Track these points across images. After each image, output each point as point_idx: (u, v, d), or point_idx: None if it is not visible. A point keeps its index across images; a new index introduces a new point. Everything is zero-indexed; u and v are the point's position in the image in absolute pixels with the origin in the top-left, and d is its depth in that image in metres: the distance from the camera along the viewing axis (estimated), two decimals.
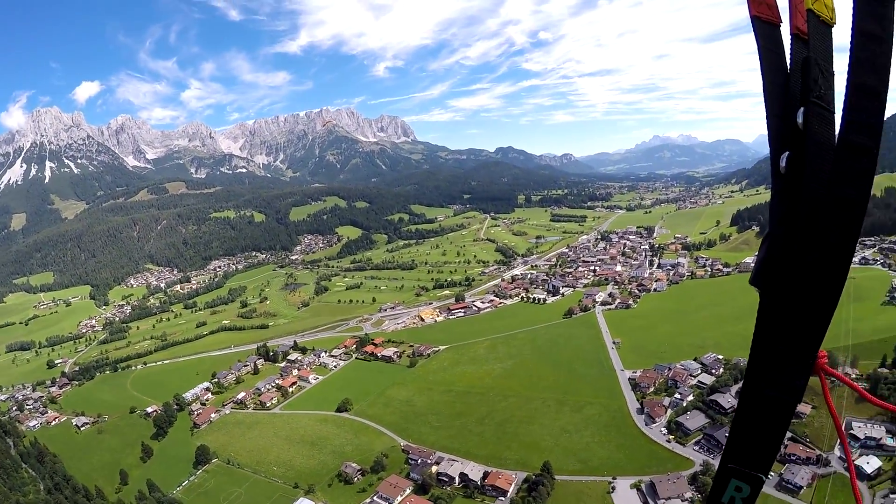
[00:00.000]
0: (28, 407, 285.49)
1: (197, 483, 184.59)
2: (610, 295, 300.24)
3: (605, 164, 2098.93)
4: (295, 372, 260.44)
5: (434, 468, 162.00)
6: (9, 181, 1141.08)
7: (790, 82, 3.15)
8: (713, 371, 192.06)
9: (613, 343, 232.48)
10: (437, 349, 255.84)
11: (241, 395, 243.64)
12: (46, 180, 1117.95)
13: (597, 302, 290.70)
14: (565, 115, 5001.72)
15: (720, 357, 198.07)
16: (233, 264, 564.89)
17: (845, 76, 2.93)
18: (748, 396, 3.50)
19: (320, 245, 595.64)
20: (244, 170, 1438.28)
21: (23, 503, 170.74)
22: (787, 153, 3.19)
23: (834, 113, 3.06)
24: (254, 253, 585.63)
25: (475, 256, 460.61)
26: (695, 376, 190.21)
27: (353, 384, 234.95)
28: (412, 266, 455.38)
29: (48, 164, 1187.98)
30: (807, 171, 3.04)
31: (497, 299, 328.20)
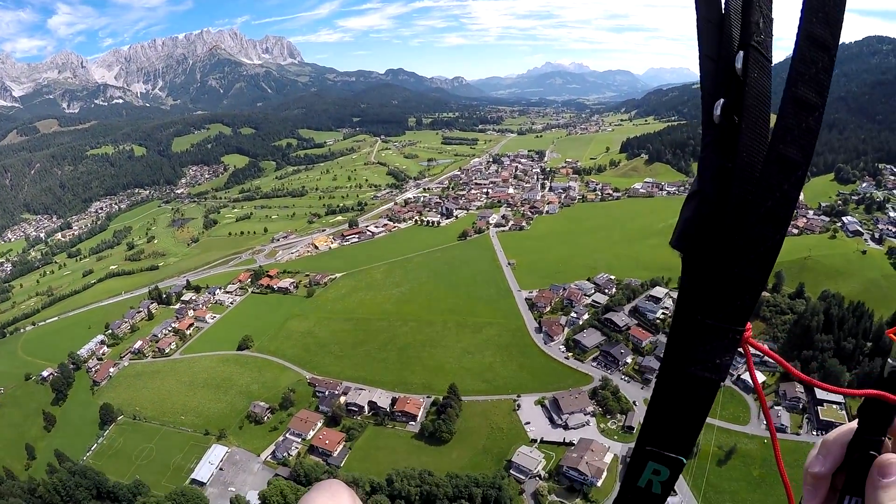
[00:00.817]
0: None
1: (106, 445, 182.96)
2: (503, 217, 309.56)
3: (496, 88, 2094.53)
4: (191, 313, 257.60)
5: (342, 399, 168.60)
6: None
7: (726, 22, 2.80)
8: (606, 290, 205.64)
9: (509, 264, 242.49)
10: (333, 277, 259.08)
11: (138, 345, 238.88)
12: None
13: (490, 224, 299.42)
14: (458, 38, 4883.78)
15: (612, 277, 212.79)
16: (115, 204, 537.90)
17: (795, 27, 2.52)
18: (668, 374, 3.11)
19: (206, 176, 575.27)
20: (121, 100, 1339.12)
21: None
22: (721, 100, 2.81)
23: (771, 62, 2.75)
24: (137, 190, 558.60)
25: (367, 181, 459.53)
26: (589, 296, 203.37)
27: (251, 320, 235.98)
28: (303, 193, 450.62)
29: None
30: (744, 125, 2.73)
31: (391, 223, 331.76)
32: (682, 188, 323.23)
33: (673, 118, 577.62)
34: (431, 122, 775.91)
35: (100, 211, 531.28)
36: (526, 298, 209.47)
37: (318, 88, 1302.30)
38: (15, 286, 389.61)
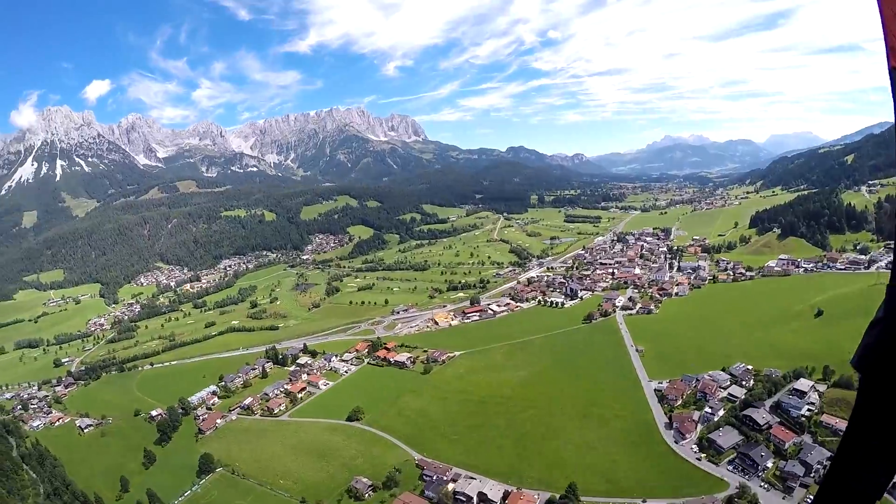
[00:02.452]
0: (33, 406, 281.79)
1: (200, 494, 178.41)
2: (630, 299, 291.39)
3: (616, 164, 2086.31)
4: (304, 377, 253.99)
5: (450, 486, 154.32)
6: (20, 179, 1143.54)
7: None
8: (744, 383, 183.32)
9: (637, 351, 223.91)
10: (452, 355, 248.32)
11: (248, 401, 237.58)
12: (58, 178, 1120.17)
13: (617, 307, 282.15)
14: (576, 115, 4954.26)
15: (750, 368, 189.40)
16: (243, 263, 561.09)
17: None
18: (832, 485, 3.27)
19: (331, 245, 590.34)
20: (255, 168, 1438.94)
21: None
22: None
23: None
24: (264, 252, 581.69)
25: (489, 258, 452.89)
26: (724, 388, 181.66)
27: (364, 391, 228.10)
28: (425, 267, 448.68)
29: (59, 162, 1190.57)
30: None
31: (513, 303, 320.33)
32: (821, 264, 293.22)
33: (802, 187, 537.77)
34: (553, 199, 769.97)
35: (228, 268, 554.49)
36: (655, 389, 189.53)
37: (442, 165, 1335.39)
38: (140, 327, 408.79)
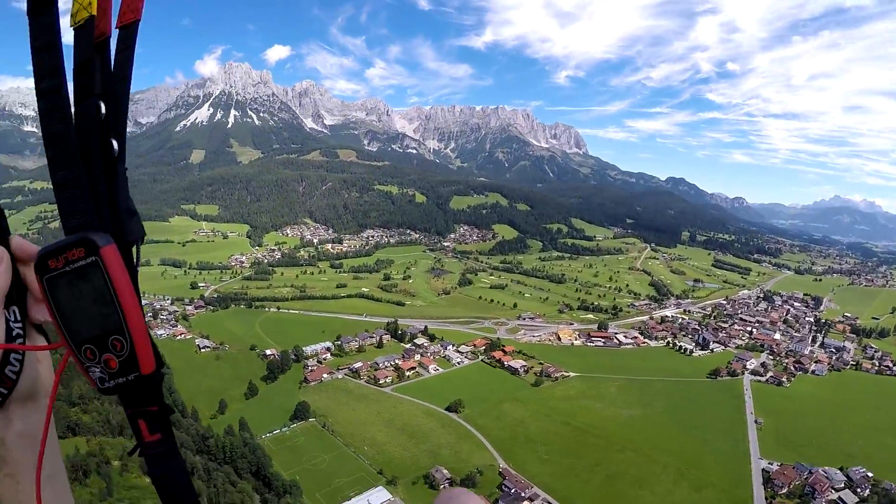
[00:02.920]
0: (162, 317, 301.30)
1: (287, 436, 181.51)
2: (762, 364, 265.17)
3: (778, 216, 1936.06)
4: (417, 357, 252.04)
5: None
6: (195, 120, 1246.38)
7: None
8: (859, 490, 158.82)
9: (756, 422, 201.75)
10: (566, 374, 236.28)
11: (357, 365, 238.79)
12: (229, 126, 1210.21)
13: (747, 369, 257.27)
14: (743, 156, 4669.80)
15: (869, 474, 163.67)
16: (386, 237, 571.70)
17: None
18: None
19: (474, 238, 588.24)
20: (414, 151, 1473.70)
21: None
22: None
23: None
24: (408, 231, 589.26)
25: (627, 286, 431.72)
26: (837, 490, 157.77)
27: (471, 386, 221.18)
28: (561, 280, 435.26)
29: (233, 112, 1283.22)
30: None
31: (641, 337, 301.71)
32: None
33: None
34: (705, 240, 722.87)
35: (370, 238, 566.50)
36: (763, 469, 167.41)
37: (598, 182, 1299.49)
38: (276, 272, 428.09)
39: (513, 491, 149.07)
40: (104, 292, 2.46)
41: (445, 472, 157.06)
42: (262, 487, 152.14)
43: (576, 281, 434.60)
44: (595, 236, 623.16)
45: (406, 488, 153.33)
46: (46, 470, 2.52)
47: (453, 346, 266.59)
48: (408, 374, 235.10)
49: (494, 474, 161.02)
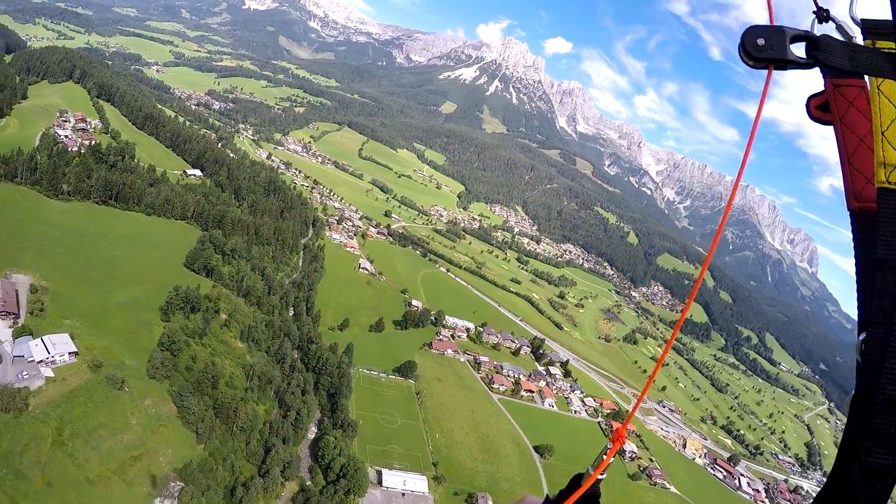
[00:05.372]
0: (344, 225, 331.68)
1: (380, 382, 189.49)
2: None
3: None
4: (542, 383, 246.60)
5: None
6: (459, 76, 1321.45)
7: None
8: None
9: None
10: (667, 486, 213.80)
11: (484, 359, 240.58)
12: (487, 93, 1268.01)
13: None
14: None
15: None
16: (581, 258, 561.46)
17: None
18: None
19: (663, 302, 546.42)
20: (647, 191, 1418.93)
21: None
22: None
23: None
24: (605, 263, 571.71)
25: (783, 432, 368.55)
26: None
27: (572, 440, 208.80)
28: (722, 389, 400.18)
29: (496, 83, 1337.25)
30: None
31: (762, 495, 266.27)
32: None
33: None
34: None
35: (567, 252, 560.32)
36: None
37: (812, 309, 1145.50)
38: (466, 240, 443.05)
39: None
40: None
41: (490, 503, 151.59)
42: (326, 409, 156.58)
43: (736, 398, 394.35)
44: (780, 363, 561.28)
45: (446, 494, 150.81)
46: None
47: (581, 393, 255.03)
48: (523, 393, 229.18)
49: None
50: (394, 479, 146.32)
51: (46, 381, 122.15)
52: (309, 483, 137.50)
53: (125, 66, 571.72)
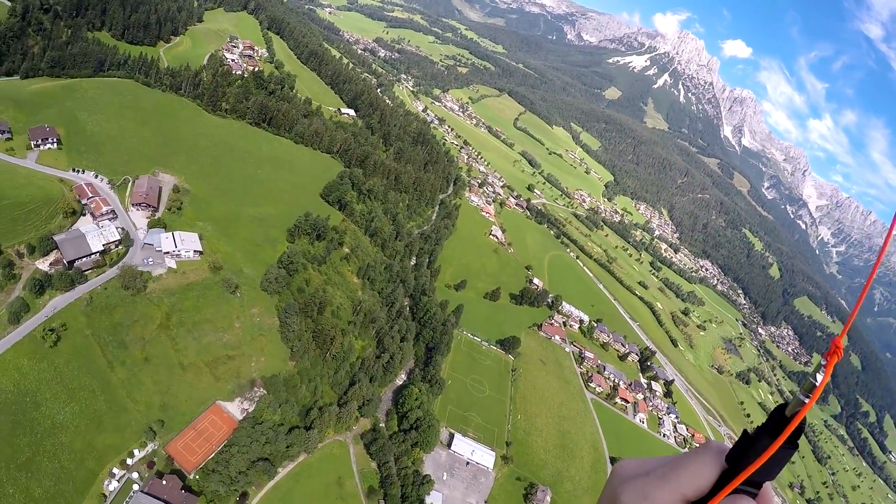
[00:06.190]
0: (484, 190, 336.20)
1: (479, 349, 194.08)
2: None
3: None
4: (640, 396, 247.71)
5: None
6: (628, 63, 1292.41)
7: None
8: None
9: None
10: None
11: (589, 355, 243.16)
12: (655, 85, 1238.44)
13: None
14: None
15: None
16: (716, 279, 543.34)
17: None
18: None
19: (789, 349, 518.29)
20: (801, 224, 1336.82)
21: None
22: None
23: None
24: (739, 291, 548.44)
25: None
26: None
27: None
28: (823, 460, 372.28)
29: (665, 76, 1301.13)
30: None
31: None
32: None
33: None
34: None
35: (703, 269, 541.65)
36: None
37: None
38: (603, 231, 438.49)
39: None
40: None
41: (548, 499, 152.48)
42: (420, 361, 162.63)
43: (833, 474, 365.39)
44: (892, 452, 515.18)
45: (509, 476, 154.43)
46: None
47: (676, 418, 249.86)
48: (618, 400, 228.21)
49: None
50: (463, 446, 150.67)
51: (168, 271, 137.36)
52: (382, 425, 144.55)
53: (300, 5, 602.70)
